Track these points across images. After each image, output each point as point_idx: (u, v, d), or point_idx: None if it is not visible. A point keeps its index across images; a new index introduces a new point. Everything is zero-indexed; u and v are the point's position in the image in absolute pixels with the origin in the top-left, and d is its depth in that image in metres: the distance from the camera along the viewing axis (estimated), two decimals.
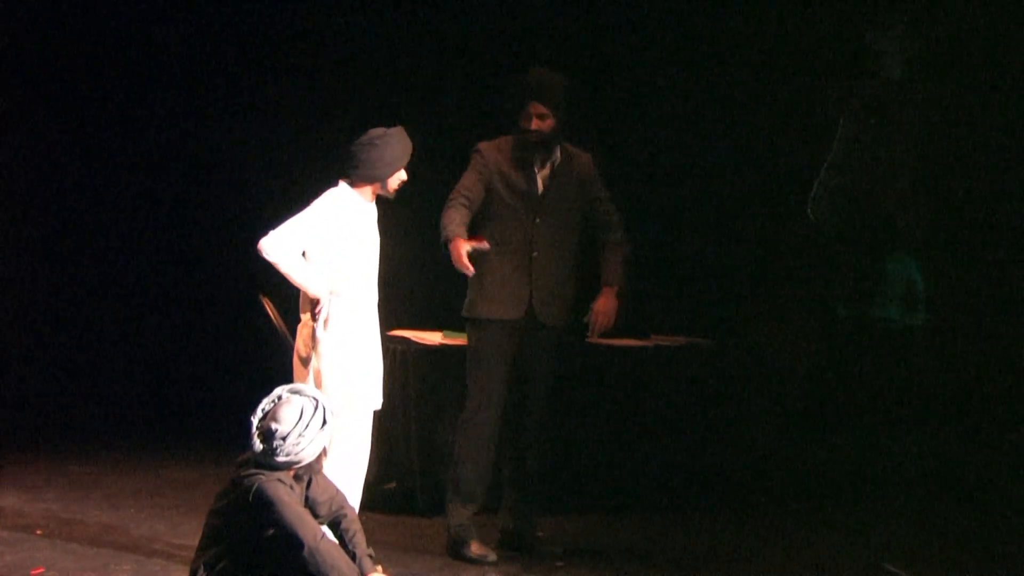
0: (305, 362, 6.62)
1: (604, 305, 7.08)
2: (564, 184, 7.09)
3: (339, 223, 6.56)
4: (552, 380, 7.18)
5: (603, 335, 7.91)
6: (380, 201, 6.77)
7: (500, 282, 7.05)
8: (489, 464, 7.13)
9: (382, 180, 6.61)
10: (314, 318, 6.55)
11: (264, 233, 6.48)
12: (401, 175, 6.63)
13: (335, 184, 6.66)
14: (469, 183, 7.08)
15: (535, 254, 7.03)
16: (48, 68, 10.67)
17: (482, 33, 10.11)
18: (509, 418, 7.20)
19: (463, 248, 6.74)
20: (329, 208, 6.56)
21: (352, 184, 6.62)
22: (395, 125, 6.67)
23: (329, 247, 6.55)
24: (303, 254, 6.56)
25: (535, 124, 6.96)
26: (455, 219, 6.93)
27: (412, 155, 6.66)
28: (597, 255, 7.20)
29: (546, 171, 7.08)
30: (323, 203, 6.57)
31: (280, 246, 6.45)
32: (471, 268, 6.76)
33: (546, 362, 7.15)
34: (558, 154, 7.08)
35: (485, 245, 6.81)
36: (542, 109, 6.95)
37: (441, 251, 6.86)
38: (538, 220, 7.03)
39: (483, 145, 7.15)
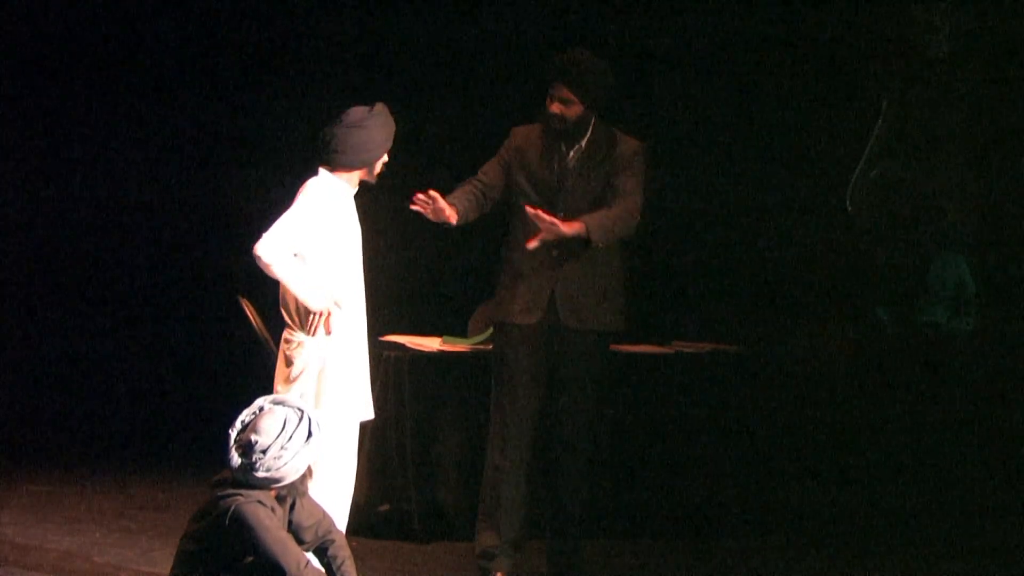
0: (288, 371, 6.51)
1: (565, 224, 6.84)
2: (590, 174, 6.97)
3: (329, 216, 6.47)
4: (588, 394, 7.05)
5: (619, 341, 7.82)
6: (364, 192, 6.69)
7: (518, 282, 6.95)
8: (520, 487, 7.05)
9: (370, 165, 6.53)
10: (312, 331, 6.41)
11: (256, 236, 6.36)
12: (384, 158, 6.53)
13: (315, 172, 6.56)
14: (488, 167, 7.07)
15: (555, 252, 6.90)
16: (26, 63, 10.74)
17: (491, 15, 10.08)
18: (548, 432, 7.13)
19: (441, 209, 6.74)
20: (319, 199, 6.45)
21: (333, 171, 6.51)
22: (374, 104, 6.59)
23: (323, 244, 6.44)
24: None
25: (557, 108, 6.84)
26: (455, 192, 6.92)
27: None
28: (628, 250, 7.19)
29: (574, 164, 6.94)
30: (312, 194, 6.46)
31: (277, 249, 6.33)
32: (425, 208, 6.72)
33: (578, 369, 7.01)
34: (583, 142, 6.93)
35: (447, 214, 6.76)
36: (566, 93, 6.83)
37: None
38: (561, 214, 6.91)
39: (516, 129, 7.12)
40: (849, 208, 9.38)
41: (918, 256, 9.26)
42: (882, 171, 9.36)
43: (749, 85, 9.66)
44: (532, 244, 6.81)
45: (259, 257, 6.33)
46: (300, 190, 6.50)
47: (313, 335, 6.42)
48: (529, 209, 6.76)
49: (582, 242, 6.83)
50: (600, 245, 6.85)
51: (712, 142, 9.78)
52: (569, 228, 6.76)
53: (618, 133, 7.04)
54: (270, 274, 6.39)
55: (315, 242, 6.43)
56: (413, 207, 6.74)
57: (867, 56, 9.40)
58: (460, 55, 10.18)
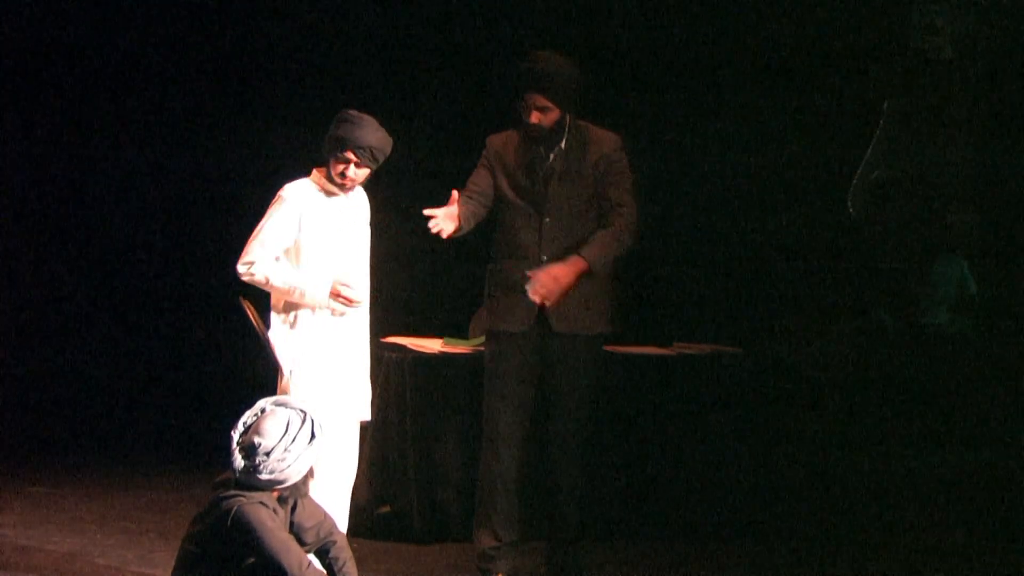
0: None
1: (553, 271, 6.78)
2: (574, 176, 6.95)
3: (307, 214, 6.55)
4: (582, 398, 7.04)
5: (620, 342, 7.79)
6: (375, 194, 6.72)
7: (509, 290, 6.94)
8: (515, 491, 7.07)
9: (327, 161, 6.56)
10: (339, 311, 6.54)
11: (236, 257, 6.51)
12: (347, 169, 6.52)
13: (307, 172, 6.64)
14: (476, 177, 7.05)
15: (544, 258, 6.89)
16: (38, 71, 10.79)
17: (495, 18, 10.07)
18: (544, 435, 7.13)
19: (450, 220, 6.73)
20: (289, 202, 6.55)
21: (323, 169, 6.62)
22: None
23: (304, 242, 6.55)
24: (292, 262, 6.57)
25: (535, 118, 6.82)
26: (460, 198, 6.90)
27: (365, 149, 6.53)
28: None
29: (555, 168, 6.93)
30: (281, 199, 6.58)
31: (254, 266, 6.49)
32: (443, 231, 6.69)
33: (572, 373, 6.99)
34: (563, 144, 6.92)
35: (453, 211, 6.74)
36: (543, 101, 6.81)
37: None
38: (547, 220, 6.90)
39: (491, 138, 7.11)
40: (851, 210, 9.37)
41: (920, 257, 9.25)
42: (884, 173, 9.35)
43: (750, 85, 9.64)
44: (536, 298, 6.81)
45: (242, 277, 6.51)
46: (275, 196, 6.59)
47: (352, 306, 6.51)
48: (530, 286, 6.73)
49: (586, 273, 6.80)
50: (603, 273, 6.85)
51: (713, 142, 9.77)
52: (572, 274, 6.74)
53: (592, 128, 7.03)
54: (262, 287, 6.54)
55: (299, 243, 6.52)
56: (434, 231, 6.71)
57: (869, 58, 9.38)
58: (441, 59, 10.21)
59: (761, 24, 9.59)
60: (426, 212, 6.67)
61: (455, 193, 6.74)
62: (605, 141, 7.00)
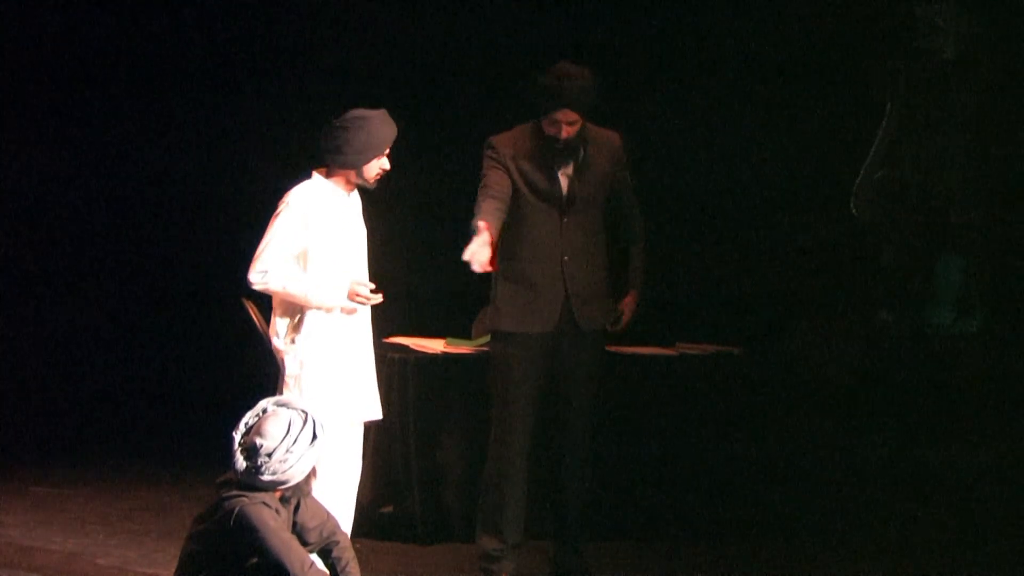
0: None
1: (629, 313, 7.18)
2: (590, 177, 7.00)
3: (317, 219, 6.53)
4: (594, 391, 7.11)
5: (623, 343, 7.84)
6: (373, 195, 6.71)
7: (530, 291, 6.96)
8: (522, 491, 7.07)
9: (357, 167, 6.54)
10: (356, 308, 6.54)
11: (247, 265, 6.48)
12: (382, 163, 6.53)
13: (308, 175, 6.61)
14: (495, 178, 6.98)
15: (566, 258, 6.92)
16: (38, 71, 10.80)
17: (490, 16, 10.06)
18: (548, 435, 7.15)
19: (485, 248, 6.61)
20: (299, 207, 6.52)
21: (328, 173, 6.59)
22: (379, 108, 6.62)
23: (317, 247, 6.51)
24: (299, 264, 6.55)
25: (566, 133, 6.84)
26: (488, 208, 6.83)
27: (394, 142, 6.56)
28: (618, 247, 7.20)
29: (570, 168, 6.95)
30: (291, 205, 6.55)
31: (266, 273, 6.45)
32: (486, 266, 6.63)
33: (587, 372, 7.06)
34: (582, 149, 6.94)
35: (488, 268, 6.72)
36: (573, 116, 6.84)
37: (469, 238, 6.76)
38: (566, 220, 6.93)
39: (496, 140, 7.04)
40: (854, 210, 9.36)
41: (923, 257, 9.25)
42: (887, 173, 9.34)
43: (752, 84, 9.63)
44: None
45: (253, 285, 6.48)
46: (281, 201, 6.56)
47: (370, 303, 6.52)
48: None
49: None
50: None
51: (716, 142, 9.76)
52: (632, 306, 7.20)
53: (592, 126, 7.05)
54: (273, 295, 6.52)
55: (308, 248, 6.50)
56: (480, 269, 6.65)
57: (872, 57, 9.38)
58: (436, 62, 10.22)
59: (761, 23, 9.58)
60: (465, 257, 6.58)
61: (482, 224, 6.66)
62: (611, 139, 7.09)
